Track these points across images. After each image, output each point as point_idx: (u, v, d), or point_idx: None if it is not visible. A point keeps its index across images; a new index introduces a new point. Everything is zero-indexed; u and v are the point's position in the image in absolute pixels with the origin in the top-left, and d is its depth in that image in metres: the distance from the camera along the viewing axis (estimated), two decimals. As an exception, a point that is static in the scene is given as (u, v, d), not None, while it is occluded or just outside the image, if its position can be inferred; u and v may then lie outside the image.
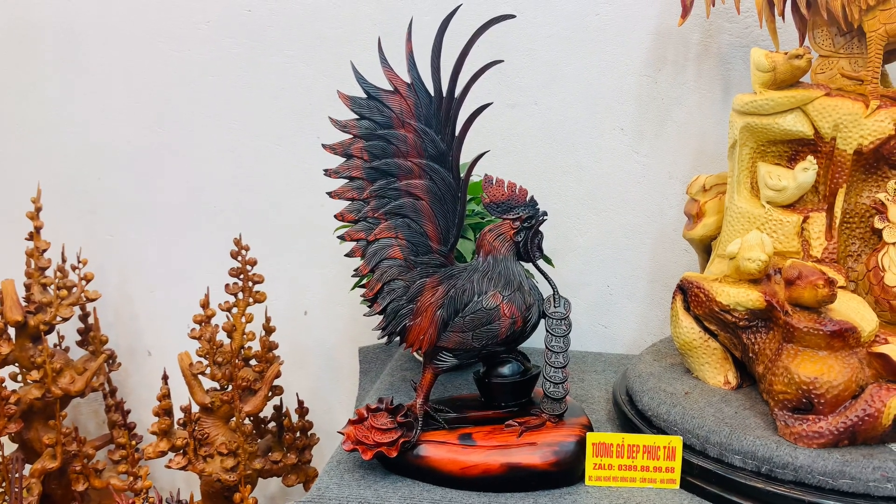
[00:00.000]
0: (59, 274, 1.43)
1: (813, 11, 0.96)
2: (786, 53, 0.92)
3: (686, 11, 1.06)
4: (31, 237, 1.41)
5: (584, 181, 1.29)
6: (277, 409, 1.34)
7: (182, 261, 1.56)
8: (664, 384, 0.96)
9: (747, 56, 1.18)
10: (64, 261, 1.46)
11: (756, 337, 0.89)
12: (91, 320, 1.50)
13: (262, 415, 1.37)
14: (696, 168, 1.24)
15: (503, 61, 0.89)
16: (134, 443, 1.37)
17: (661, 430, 0.90)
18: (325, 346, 1.52)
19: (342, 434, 0.90)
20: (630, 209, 1.28)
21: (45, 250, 1.41)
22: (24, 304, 1.39)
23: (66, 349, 1.50)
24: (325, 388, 1.54)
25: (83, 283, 1.45)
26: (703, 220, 1.06)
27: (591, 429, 0.89)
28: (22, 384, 1.43)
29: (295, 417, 1.35)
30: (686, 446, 0.86)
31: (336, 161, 0.87)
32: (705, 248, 1.09)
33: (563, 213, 1.30)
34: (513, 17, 0.86)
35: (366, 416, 0.89)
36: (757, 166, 0.98)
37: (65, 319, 1.39)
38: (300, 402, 1.34)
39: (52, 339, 1.49)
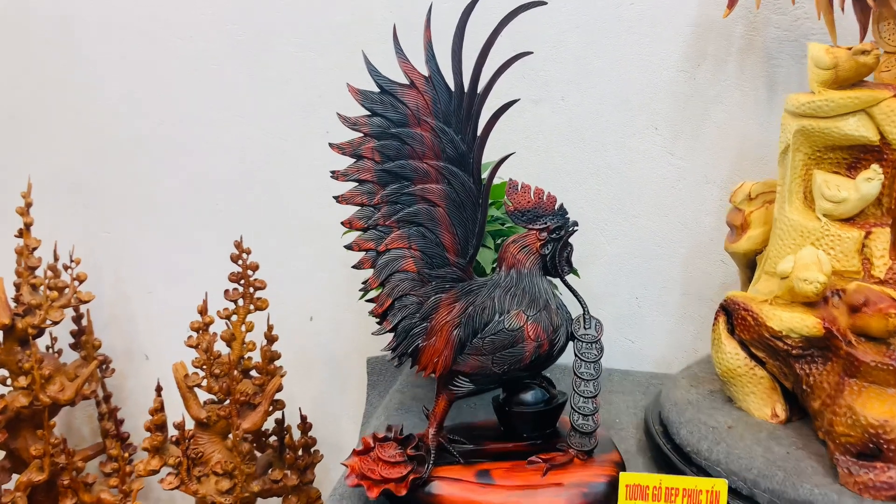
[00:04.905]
0: (50, 274, 1.35)
1: (879, 2, 0.86)
2: (850, 48, 0.82)
3: (733, 1, 0.96)
4: (20, 234, 1.33)
5: (614, 184, 1.20)
6: (279, 422, 1.26)
7: (182, 260, 1.48)
8: (704, 416, 0.86)
9: (796, 51, 1.08)
10: (56, 259, 1.38)
11: (811, 368, 0.80)
12: (84, 323, 1.42)
13: (262, 427, 1.28)
14: (735, 173, 1.14)
15: (532, 53, 0.79)
16: (127, 455, 1.29)
17: (701, 469, 0.81)
18: (332, 355, 1.44)
19: (346, 466, 0.81)
20: (663, 215, 1.19)
21: (35, 248, 1.33)
22: (13, 304, 1.31)
23: (59, 352, 1.42)
24: (330, 399, 1.46)
25: (76, 283, 1.37)
26: (748, 232, 0.97)
27: (623, 467, 0.80)
28: (10, 390, 1.35)
29: (297, 434, 1.27)
30: (731, 490, 0.76)
31: (345, 162, 0.78)
32: (749, 263, 0.99)
33: (589, 219, 1.21)
34: (544, 3, 0.77)
35: (372, 445, 0.81)
36: (812, 174, 0.88)
37: (55, 323, 1.31)
38: (303, 418, 1.26)
39: (45, 341, 1.41)
